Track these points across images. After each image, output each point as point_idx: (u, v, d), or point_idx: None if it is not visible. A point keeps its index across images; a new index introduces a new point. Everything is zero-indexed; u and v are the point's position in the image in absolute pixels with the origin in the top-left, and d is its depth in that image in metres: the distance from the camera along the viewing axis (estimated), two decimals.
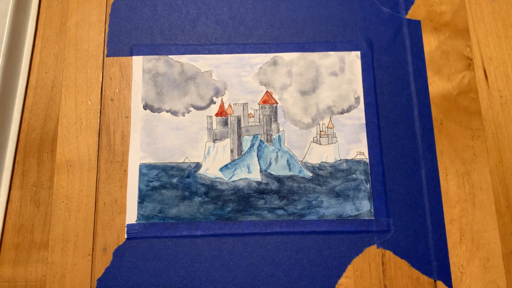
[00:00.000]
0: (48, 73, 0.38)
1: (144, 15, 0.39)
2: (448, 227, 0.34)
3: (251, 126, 0.37)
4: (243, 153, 0.37)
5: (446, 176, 0.35)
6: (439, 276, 0.33)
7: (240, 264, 0.34)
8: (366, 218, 0.35)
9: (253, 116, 0.37)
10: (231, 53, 0.38)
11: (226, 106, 0.37)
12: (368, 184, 0.35)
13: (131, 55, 0.38)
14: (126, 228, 0.35)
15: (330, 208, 0.35)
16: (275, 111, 0.37)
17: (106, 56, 0.39)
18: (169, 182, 0.36)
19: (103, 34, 0.39)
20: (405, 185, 0.35)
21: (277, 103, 0.38)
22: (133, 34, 0.39)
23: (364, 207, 0.35)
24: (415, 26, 0.39)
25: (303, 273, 0.34)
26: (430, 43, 0.39)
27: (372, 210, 0.35)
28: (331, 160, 0.36)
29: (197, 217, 0.35)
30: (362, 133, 0.37)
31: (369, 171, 0.36)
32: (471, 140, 0.36)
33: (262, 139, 0.37)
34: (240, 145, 0.37)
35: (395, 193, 0.35)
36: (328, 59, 0.38)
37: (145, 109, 0.37)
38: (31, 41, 0.38)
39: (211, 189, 0.35)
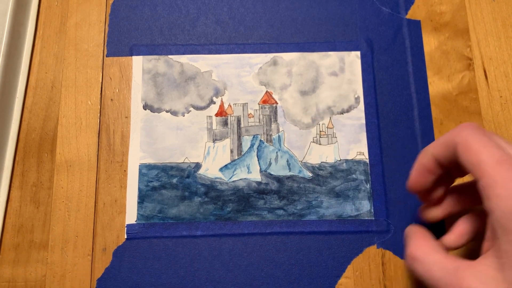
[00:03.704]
0: (48, 73, 0.38)
1: (144, 15, 0.39)
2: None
3: (251, 126, 0.37)
4: (243, 153, 0.37)
5: None
6: None
7: (240, 264, 0.34)
8: (366, 218, 0.35)
9: (253, 116, 0.37)
10: (231, 53, 0.38)
11: (226, 106, 0.37)
12: (368, 184, 0.35)
13: (131, 55, 0.38)
14: (126, 228, 0.35)
15: (330, 208, 0.35)
16: (275, 111, 0.37)
17: (106, 56, 0.39)
18: (169, 182, 0.36)
19: (103, 34, 0.39)
20: (405, 185, 0.35)
21: (277, 103, 0.38)
22: (133, 34, 0.39)
23: (364, 207, 0.35)
24: (415, 26, 0.39)
25: (303, 273, 0.34)
26: (430, 43, 0.39)
27: (372, 210, 0.35)
28: (331, 160, 0.36)
29: (197, 217, 0.35)
30: (362, 133, 0.37)
31: (369, 171, 0.36)
32: None
33: (262, 139, 0.37)
34: (240, 145, 0.37)
35: (395, 193, 0.35)
36: (328, 59, 0.38)
37: (145, 109, 0.37)
38: (30, 41, 0.38)
39: (211, 189, 0.35)
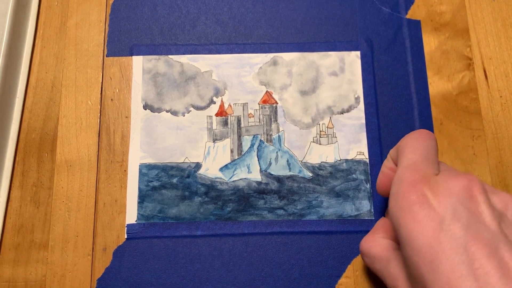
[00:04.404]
0: (48, 73, 0.38)
1: (144, 15, 0.39)
2: None
3: (251, 126, 0.37)
4: (243, 153, 0.37)
5: None
6: None
7: (240, 264, 0.34)
8: (366, 218, 0.35)
9: (253, 116, 0.37)
10: (231, 53, 0.38)
11: (226, 106, 0.37)
12: (368, 184, 0.35)
13: (131, 55, 0.38)
14: (126, 228, 0.35)
15: (330, 208, 0.35)
16: (275, 111, 0.37)
17: (106, 56, 0.39)
18: (169, 182, 0.36)
19: (103, 34, 0.39)
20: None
21: (277, 103, 0.38)
22: (133, 34, 0.39)
23: (364, 207, 0.35)
24: (415, 26, 0.39)
25: (303, 273, 0.34)
26: (430, 43, 0.39)
27: (372, 210, 0.35)
28: (331, 160, 0.36)
29: (197, 217, 0.35)
30: (362, 133, 0.37)
31: (369, 171, 0.36)
32: (471, 140, 0.36)
33: (262, 139, 0.37)
34: (240, 145, 0.37)
35: None
36: (328, 59, 0.38)
37: (145, 109, 0.37)
38: (31, 41, 0.38)
39: (211, 189, 0.35)
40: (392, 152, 0.30)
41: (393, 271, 0.26)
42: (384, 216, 0.34)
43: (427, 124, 0.37)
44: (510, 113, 0.37)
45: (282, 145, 0.37)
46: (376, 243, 0.29)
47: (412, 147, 0.27)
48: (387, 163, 0.30)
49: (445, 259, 0.22)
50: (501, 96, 0.37)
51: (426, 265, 0.22)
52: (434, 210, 0.23)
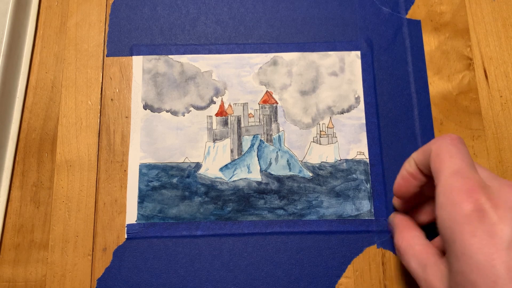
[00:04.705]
0: (48, 73, 0.38)
1: (144, 15, 0.39)
2: None
3: (251, 126, 0.37)
4: (243, 153, 0.37)
5: None
6: None
7: (240, 264, 0.34)
8: (366, 218, 0.35)
9: (253, 116, 0.37)
10: (231, 53, 0.38)
11: (226, 106, 0.37)
12: (368, 184, 0.35)
13: (131, 55, 0.38)
14: (126, 228, 0.35)
15: (330, 208, 0.35)
16: (275, 111, 0.37)
17: (106, 56, 0.39)
18: (169, 182, 0.36)
19: (103, 34, 0.39)
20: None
21: (277, 103, 0.38)
22: (133, 34, 0.39)
23: (364, 207, 0.35)
24: (415, 26, 0.39)
25: (303, 273, 0.34)
26: (430, 43, 0.39)
27: (372, 210, 0.35)
28: (331, 160, 0.36)
29: (197, 217, 0.35)
30: (362, 133, 0.37)
31: (369, 171, 0.36)
32: (471, 140, 0.36)
33: (262, 139, 0.37)
34: (240, 145, 0.37)
35: None
36: (328, 59, 0.38)
37: (145, 109, 0.37)
38: (31, 41, 0.38)
39: (211, 189, 0.35)
40: (417, 157, 0.28)
41: (430, 278, 0.25)
42: (390, 216, 0.34)
43: (427, 124, 0.37)
44: (510, 113, 0.37)
45: (282, 145, 0.37)
46: (415, 241, 0.28)
47: (450, 152, 0.25)
48: (409, 168, 0.29)
49: (510, 281, 0.20)
50: (501, 96, 0.37)
51: (486, 285, 0.21)
52: (495, 225, 0.22)
